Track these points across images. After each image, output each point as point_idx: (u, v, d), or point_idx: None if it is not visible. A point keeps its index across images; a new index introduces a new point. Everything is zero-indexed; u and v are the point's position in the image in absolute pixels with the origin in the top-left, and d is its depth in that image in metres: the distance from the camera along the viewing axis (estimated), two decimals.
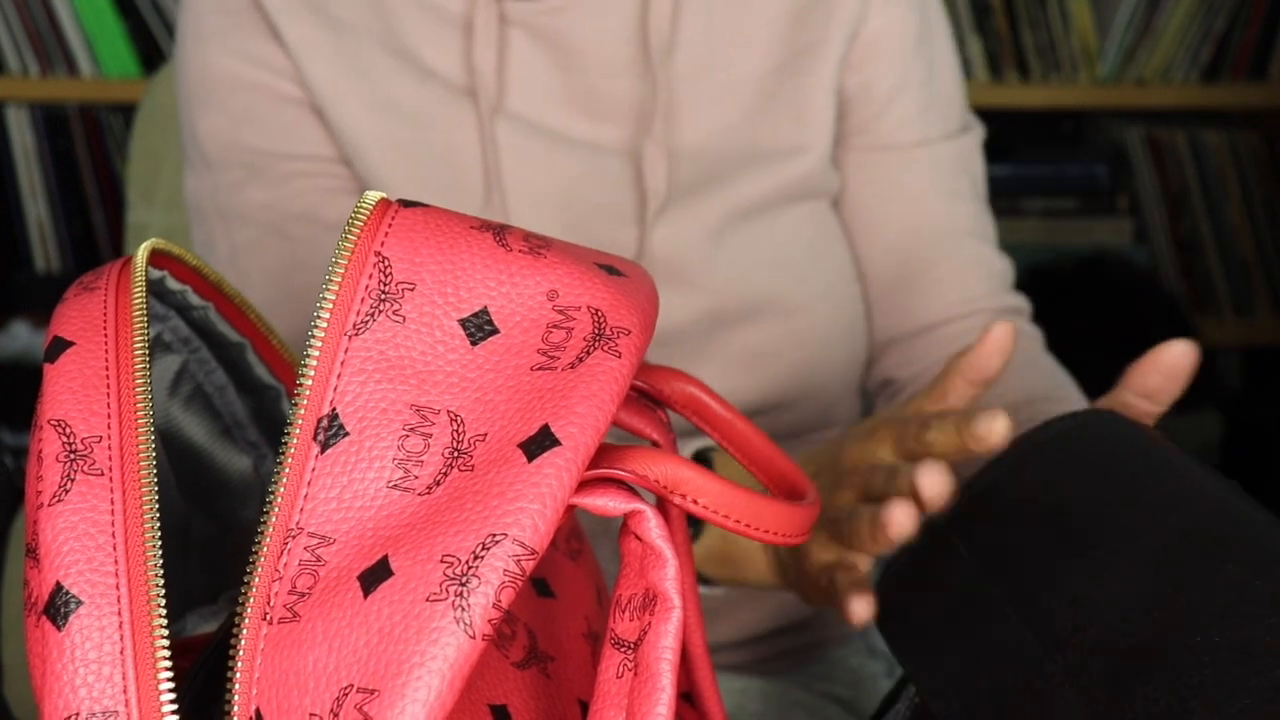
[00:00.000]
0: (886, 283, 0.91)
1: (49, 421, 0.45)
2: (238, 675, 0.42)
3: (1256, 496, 0.58)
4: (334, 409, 0.44)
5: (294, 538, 0.43)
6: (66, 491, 0.44)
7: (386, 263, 0.45)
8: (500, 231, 0.47)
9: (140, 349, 0.47)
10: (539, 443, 0.42)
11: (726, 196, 0.86)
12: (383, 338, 0.45)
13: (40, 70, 1.91)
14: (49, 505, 0.43)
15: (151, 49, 1.88)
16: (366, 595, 0.41)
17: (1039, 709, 0.50)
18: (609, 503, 0.43)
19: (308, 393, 0.44)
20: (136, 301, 0.48)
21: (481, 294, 0.45)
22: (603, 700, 0.43)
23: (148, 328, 0.48)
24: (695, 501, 0.44)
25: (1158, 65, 1.87)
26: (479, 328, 0.45)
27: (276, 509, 0.43)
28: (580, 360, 0.44)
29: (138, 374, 0.46)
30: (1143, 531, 0.53)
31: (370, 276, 0.45)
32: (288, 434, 0.44)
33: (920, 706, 0.60)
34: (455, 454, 0.43)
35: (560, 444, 0.42)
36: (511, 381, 0.44)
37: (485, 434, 0.43)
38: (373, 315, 0.45)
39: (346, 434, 0.44)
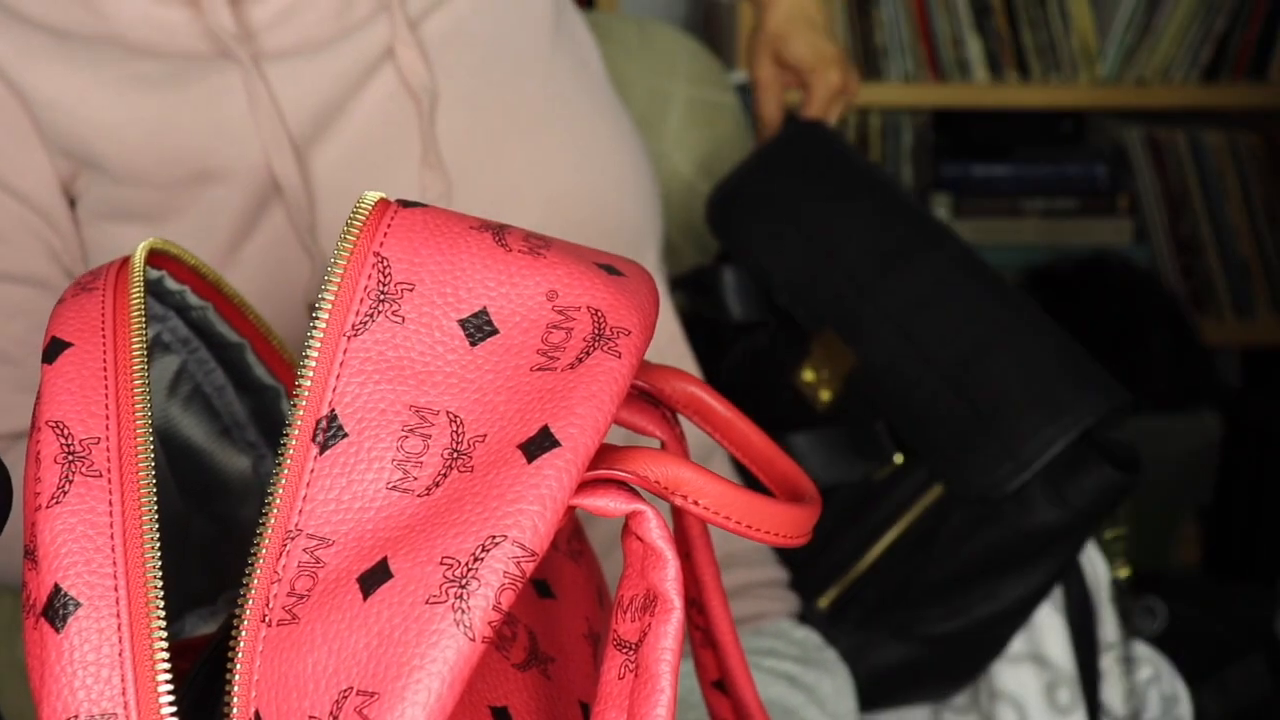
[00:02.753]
0: None
1: (47, 423, 0.45)
2: (237, 677, 0.42)
3: (1257, 496, 0.61)
4: (333, 410, 0.44)
5: (293, 539, 0.43)
6: (64, 493, 0.43)
7: (385, 263, 0.45)
8: (500, 231, 0.47)
9: (139, 350, 0.47)
10: (539, 444, 0.42)
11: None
12: (382, 338, 0.45)
13: None
14: (47, 507, 0.43)
15: None
16: (366, 597, 0.41)
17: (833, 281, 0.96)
18: (609, 503, 0.43)
19: (306, 393, 0.44)
20: (135, 302, 0.48)
21: (481, 294, 0.45)
22: (604, 701, 0.43)
23: (146, 328, 0.48)
24: (696, 502, 0.44)
25: (1158, 65, 1.87)
26: (478, 328, 0.45)
27: (275, 510, 0.43)
28: (580, 361, 0.44)
29: (136, 375, 0.46)
30: (859, 193, 1.00)
31: (369, 277, 0.45)
32: (286, 435, 0.44)
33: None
34: (455, 455, 0.43)
35: (560, 445, 0.42)
36: (511, 382, 0.44)
37: (485, 435, 0.43)
38: (372, 316, 0.45)
39: (345, 435, 0.44)
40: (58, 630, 0.42)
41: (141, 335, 0.47)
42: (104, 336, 0.47)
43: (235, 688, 0.42)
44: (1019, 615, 0.93)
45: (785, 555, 0.98)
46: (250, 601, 0.43)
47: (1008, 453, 0.87)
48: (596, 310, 0.45)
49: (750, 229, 1.02)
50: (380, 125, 0.88)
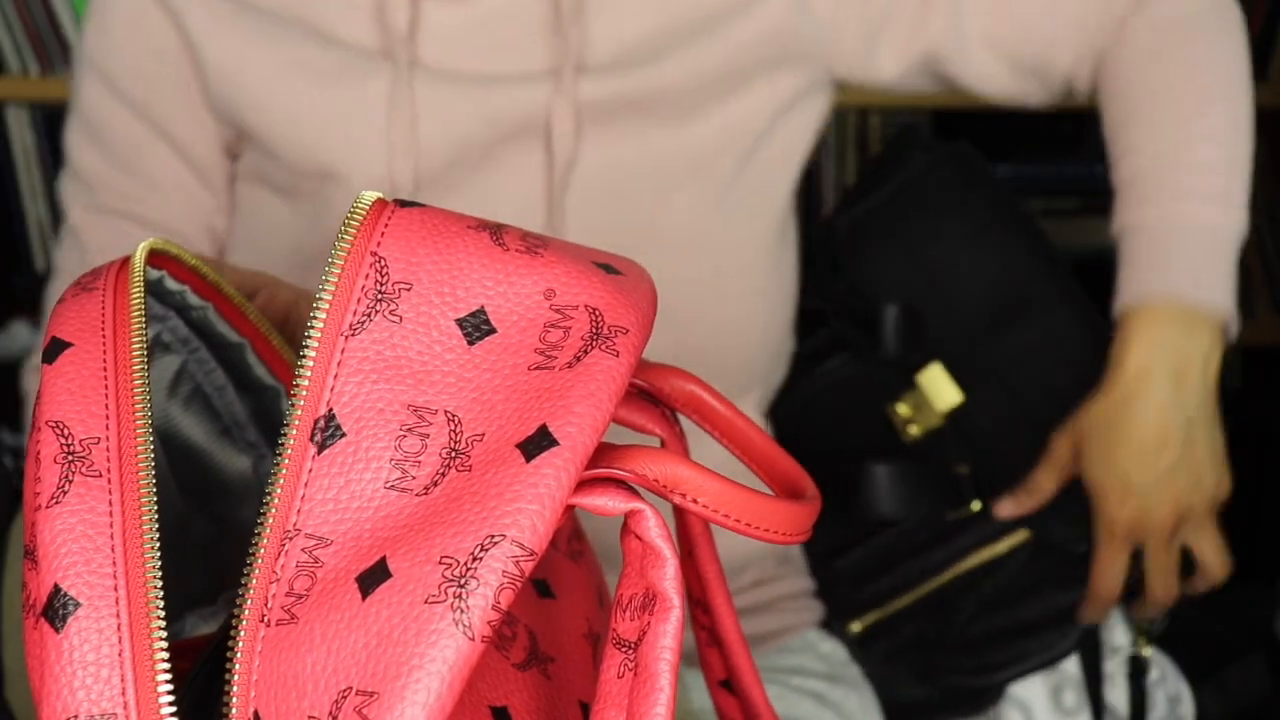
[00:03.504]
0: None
1: (47, 423, 0.45)
2: (235, 678, 0.42)
3: (1256, 496, 0.63)
4: (331, 410, 0.44)
5: (291, 539, 0.43)
6: (64, 493, 0.43)
7: (383, 262, 0.45)
8: (497, 231, 0.47)
9: (139, 349, 0.47)
10: (537, 443, 0.42)
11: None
12: (379, 338, 0.45)
13: (40, 70, 1.90)
14: (47, 507, 0.43)
15: None
16: (365, 597, 0.41)
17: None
18: (608, 502, 0.43)
19: (304, 393, 0.44)
20: (135, 301, 0.48)
21: (479, 293, 0.45)
22: (604, 701, 0.43)
23: (146, 328, 0.48)
24: (695, 500, 0.44)
25: None
26: (476, 327, 0.45)
27: (274, 510, 0.43)
28: (578, 359, 0.44)
29: (136, 375, 0.46)
30: (989, 234, 1.00)
31: (367, 276, 0.45)
32: (284, 435, 0.44)
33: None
34: (453, 454, 0.43)
35: (558, 444, 0.42)
36: (509, 381, 0.44)
37: (483, 434, 0.43)
38: (369, 315, 0.45)
39: (344, 435, 0.44)
40: (57, 630, 0.42)
41: (142, 335, 0.47)
42: (104, 336, 0.47)
43: (234, 688, 0.42)
44: (1031, 672, 0.94)
45: (830, 573, 0.98)
46: (249, 601, 0.43)
47: (1085, 517, 0.90)
48: (594, 309, 0.45)
49: (874, 258, 1.01)
50: (508, 189, 0.86)
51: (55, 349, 0.46)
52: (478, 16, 0.86)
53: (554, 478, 0.41)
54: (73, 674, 0.42)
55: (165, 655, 0.43)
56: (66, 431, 0.45)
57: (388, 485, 0.43)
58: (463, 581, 0.40)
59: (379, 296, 0.45)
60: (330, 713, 0.40)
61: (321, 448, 0.44)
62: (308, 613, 0.42)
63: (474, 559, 0.40)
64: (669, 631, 0.42)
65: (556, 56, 0.86)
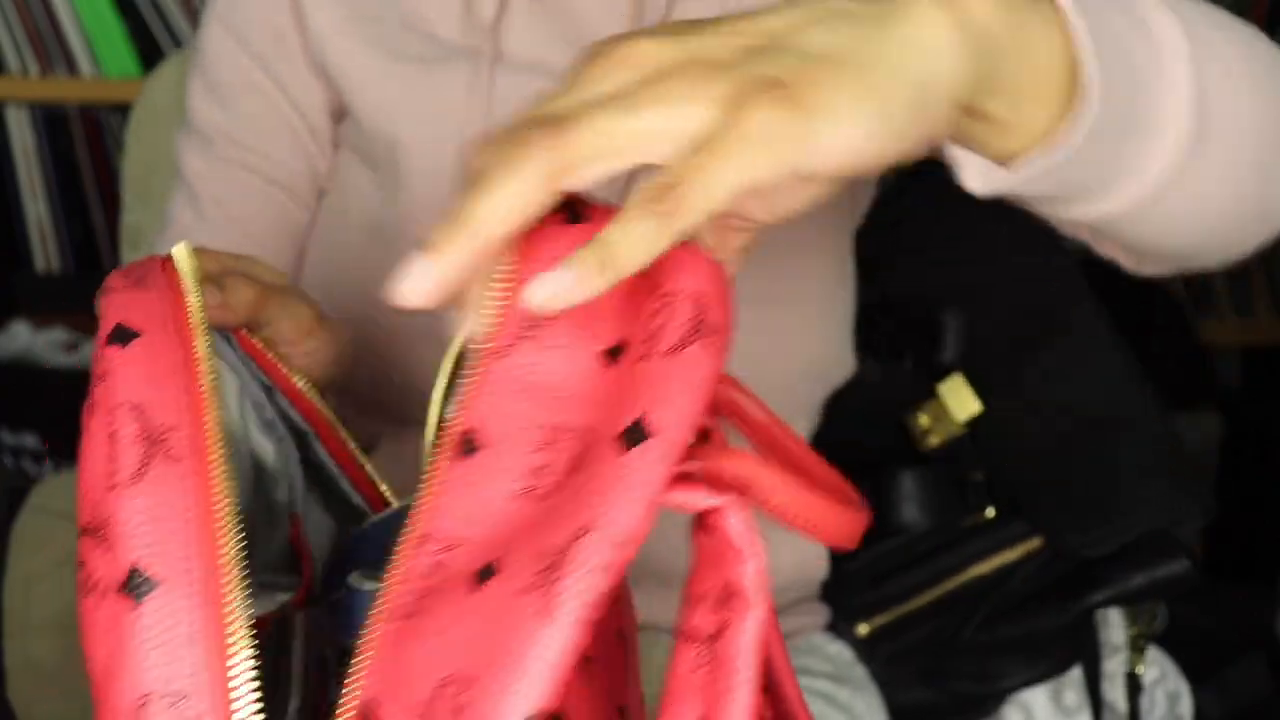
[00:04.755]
0: None
1: (127, 404, 0.45)
2: (360, 670, 0.43)
3: (1256, 496, 0.65)
4: (473, 427, 0.45)
5: (424, 543, 0.43)
6: (143, 474, 0.44)
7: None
8: None
9: (206, 349, 0.48)
10: (634, 435, 0.42)
11: None
12: (524, 362, 0.45)
13: (40, 70, 1.90)
14: (126, 486, 0.44)
15: (151, 49, 1.88)
16: (475, 592, 0.42)
17: None
18: (696, 498, 0.43)
19: (458, 409, 0.45)
20: (195, 303, 0.50)
21: (617, 326, 0.46)
22: (677, 696, 0.43)
23: (209, 330, 0.49)
24: (767, 501, 0.44)
25: None
26: (612, 353, 0.45)
27: (420, 514, 0.44)
28: (680, 348, 0.43)
29: (207, 372, 0.47)
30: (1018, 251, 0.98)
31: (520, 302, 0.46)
32: (435, 446, 0.45)
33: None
34: (576, 462, 0.44)
35: (654, 435, 0.42)
36: (622, 380, 0.44)
37: (594, 429, 0.44)
38: (518, 340, 0.45)
39: (483, 448, 0.44)
40: (134, 605, 0.43)
41: (207, 336, 0.49)
42: (173, 332, 0.48)
43: (356, 679, 0.43)
44: (1038, 682, 0.94)
45: (839, 575, 0.98)
46: (382, 600, 0.43)
47: (1111, 520, 0.90)
48: (699, 298, 0.45)
49: (906, 268, 1.01)
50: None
51: (123, 335, 0.46)
52: (560, 13, 0.87)
53: (649, 470, 0.41)
54: (146, 653, 0.42)
55: (243, 635, 0.43)
56: (145, 415, 0.45)
57: (516, 494, 0.44)
58: (558, 574, 0.40)
59: (532, 323, 0.45)
60: (431, 699, 0.41)
61: (463, 457, 0.44)
62: (428, 608, 0.42)
63: (569, 552, 0.40)
64: (749, 630, 0.42)
65: None
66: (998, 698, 0.96)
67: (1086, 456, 0.94)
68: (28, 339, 1.89)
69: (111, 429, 0.45)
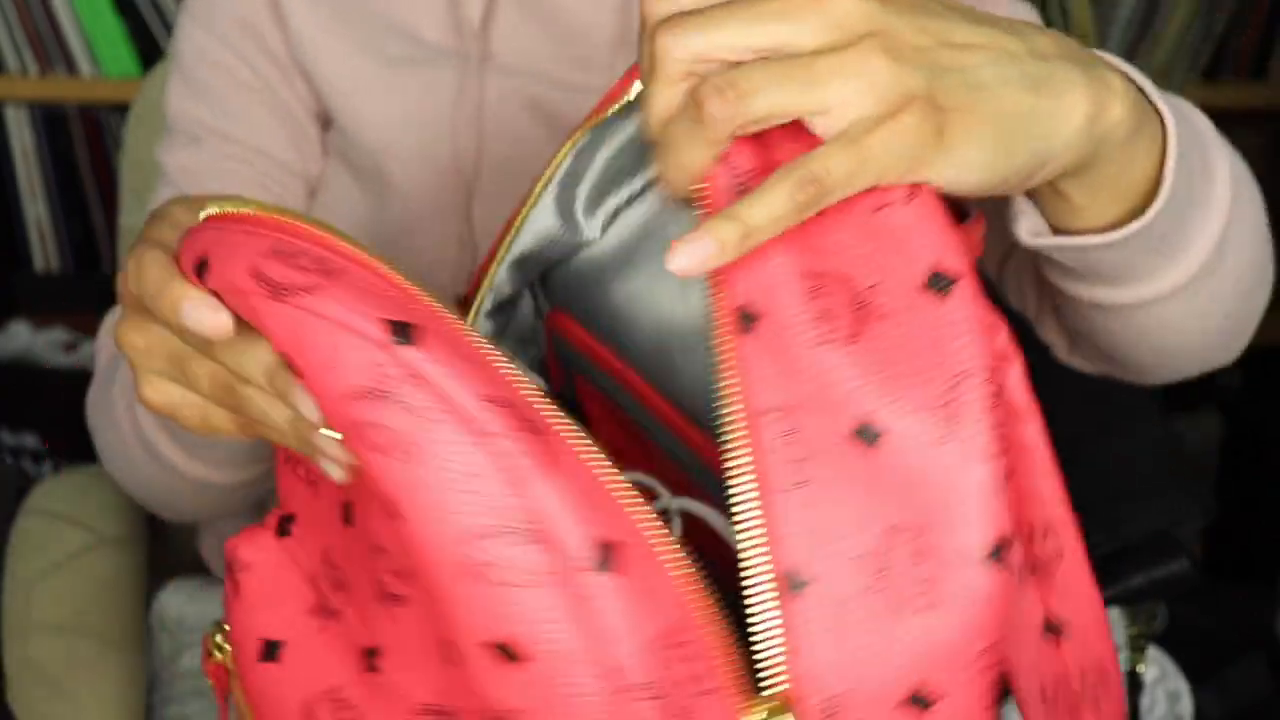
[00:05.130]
0: None
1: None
2: (750, 544, 0.46)
3: (1256, 496, 0.67)
4: (742, 302, 0.48)
5: (758, 418, 0.47)
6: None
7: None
8: None
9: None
10: (939, 282, 0.47)
11: None
12: None
13: (39, 70, 1.90)
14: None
15: (151, 48, 1.88)
16: (869, 451, 0.46)
17: None
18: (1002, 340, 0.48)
19: (722, 291, 0.48)
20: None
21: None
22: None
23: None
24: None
25: (1158, 65, 1.87)
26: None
27: (735, 400, 0.47)
28: (915, 194, 0.49)
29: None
30: None
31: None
32: (717, 333, 0.48)
33: None
34: (858, 305, 0.47)
35: (958, 280, 0.47)
36: (865, 228, 0.48)
37: (874, 283, 0.47)
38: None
39: (761, 316, 0.48)
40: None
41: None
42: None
43: (751, 554, 0.46)
44: None
45: None
46: (744, 484, 0.46)
47: (1111, 521, 0.92)
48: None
49: None
50: None
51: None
52: (547, 14, 0.87)
53: (971, 308, 0.47)
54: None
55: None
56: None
57: (814, 344, 0.47)
58: (959, 419, 0.46)
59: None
60: (877, 550, 0.45)
61: (748, 332, 0.47)
62: (818, 473, 0.46)
63: (956, 397, 0.46)
64: (1015, 376, 0.49)
65: (624, 67, 0.86)
66: (1004, 694, 0.96)
67: (1087, 457, 0.94)
68: (27, 339, 1.89)
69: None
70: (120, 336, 0.56)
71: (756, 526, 0.46)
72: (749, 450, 0.46)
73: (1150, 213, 0.60)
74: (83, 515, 1.04)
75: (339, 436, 0.48)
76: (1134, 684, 0.97)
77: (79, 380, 1.83)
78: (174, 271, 0.53)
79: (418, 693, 0.50)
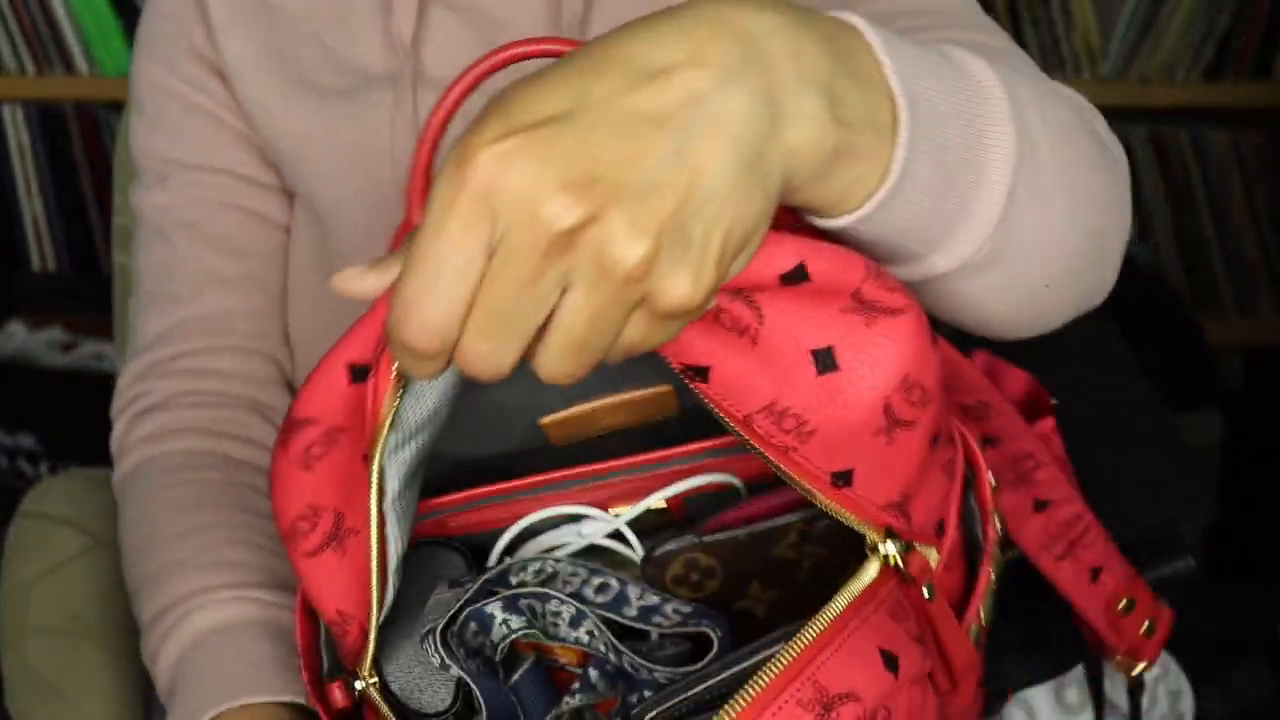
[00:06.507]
0: None
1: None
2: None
3: (1256, 496, 0.67)
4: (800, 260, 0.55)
5: (752, 420, 0.54)
6: None
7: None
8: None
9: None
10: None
11: None
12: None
13: (36, 68, 1.90)
14: None
15: None
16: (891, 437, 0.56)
17: None
18: None
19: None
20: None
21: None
22: None
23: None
24: None
25: (1161, 64, 1.86)
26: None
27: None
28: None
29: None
30: None
31: None
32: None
33: None
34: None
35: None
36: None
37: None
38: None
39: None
40: None
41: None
42: None
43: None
44: (1042, 682, 0.94)
45: None
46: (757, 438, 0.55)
47: (1114, 519, 0.91)
48: None
49: None
50: None
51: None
52: (479, 24, 0.86)
53: None
54: None
55: None
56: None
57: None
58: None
59: None
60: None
61: (796, 284, 0.54)
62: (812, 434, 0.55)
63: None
64: None
65: None
66: (1001, 697, 0.95)
67: (1090, 457, 0.94)
68: (24, 339, 1.89)
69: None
70: None
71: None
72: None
73: (869, 205, 0.54)
74: (80, 518, 1.03)
75: None
76: (1135, 684, 0.97)
77: (76, 380, 1.83)
78: None
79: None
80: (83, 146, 1.96)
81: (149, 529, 0.85)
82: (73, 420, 0.99)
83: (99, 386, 0.94)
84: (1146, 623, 0.79)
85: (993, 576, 0.67)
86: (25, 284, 1.97)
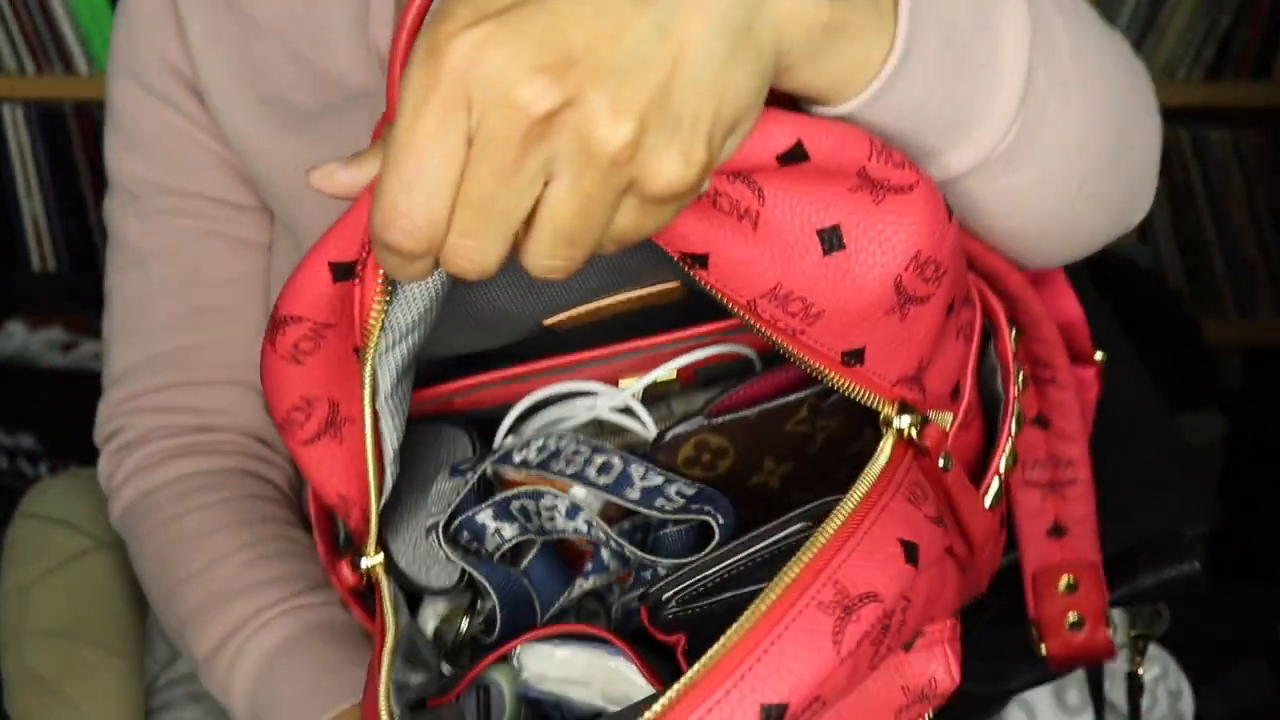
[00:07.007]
0: None
1: None
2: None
3: (1256, 496, 0.67)
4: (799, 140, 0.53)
5: (758, 304, 0.54)
6: None
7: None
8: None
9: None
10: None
11: None
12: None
13: (36, 68, 1.90)
14: None
15: None
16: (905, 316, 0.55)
17: None
18: None
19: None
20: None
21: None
22: None
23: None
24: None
25: (1161, 63, 1.86)
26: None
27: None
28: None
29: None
30: None
31: None
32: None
33: None
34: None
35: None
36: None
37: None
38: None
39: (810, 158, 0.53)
40: None
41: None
42: None
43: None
44: (1043, 683, 0.94)
45: None
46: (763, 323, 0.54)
47: (1119, 522, 0.91)
48: None
49: None
50: None
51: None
52: None
53: None
54: None
55: None
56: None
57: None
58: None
59: None
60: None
61: (795, 163, 0.52)
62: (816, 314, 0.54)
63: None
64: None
65: None
66: (1002, 698, 0.95)
67: (1097, 455, 0.93)
68: (24, 339, 1.88)
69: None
70: None
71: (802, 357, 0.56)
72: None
73: (874, 86, 0.52)
74: (79, 519, 1.03)
75: None
76: (1135, 684, 0.97)
77: (76, 380, 1.82)
78: None
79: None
80: (82, 146, 1.96)
81: (170, 567, 0.85)
82: (72, 420, 0.99)
83: (99, 387, 0.93)
84: (1074, 615, 0.74)
85: (1013, 432, 0.63)
86: (25, 284, 1.97)
